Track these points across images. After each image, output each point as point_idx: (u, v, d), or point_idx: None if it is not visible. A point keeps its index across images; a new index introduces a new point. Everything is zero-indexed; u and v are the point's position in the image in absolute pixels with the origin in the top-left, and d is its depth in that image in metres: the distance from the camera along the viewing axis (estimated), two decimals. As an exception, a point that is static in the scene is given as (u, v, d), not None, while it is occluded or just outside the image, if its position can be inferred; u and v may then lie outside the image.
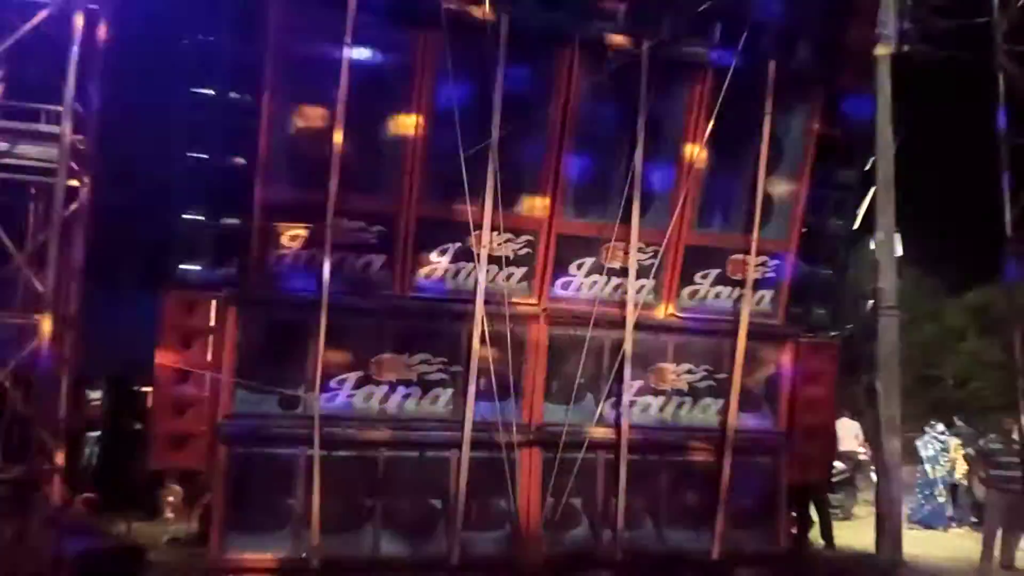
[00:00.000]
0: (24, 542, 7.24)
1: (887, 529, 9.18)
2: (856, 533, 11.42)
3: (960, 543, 11.64)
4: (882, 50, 9.17)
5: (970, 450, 12.18)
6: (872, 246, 9.74)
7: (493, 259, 8.29)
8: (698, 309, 9.05)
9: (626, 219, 8.60)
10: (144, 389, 9.97)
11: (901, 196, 9.41)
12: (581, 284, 8.68)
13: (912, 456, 13.03)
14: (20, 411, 7.41)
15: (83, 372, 9.17)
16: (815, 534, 11.12)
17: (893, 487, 9.27)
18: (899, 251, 9.84)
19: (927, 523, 13.03)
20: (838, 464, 12.38)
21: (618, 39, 8.41)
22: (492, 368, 8.16)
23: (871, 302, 9.84)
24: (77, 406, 9.37)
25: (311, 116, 7.89)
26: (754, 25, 8.57)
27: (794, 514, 10.54)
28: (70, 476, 8.33)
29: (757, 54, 8.74)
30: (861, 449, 13.50)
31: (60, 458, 7.75)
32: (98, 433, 11.82)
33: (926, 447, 13.40)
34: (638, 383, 8.82)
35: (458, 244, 8.24)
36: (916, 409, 15.56)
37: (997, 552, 10.26)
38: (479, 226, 8.16)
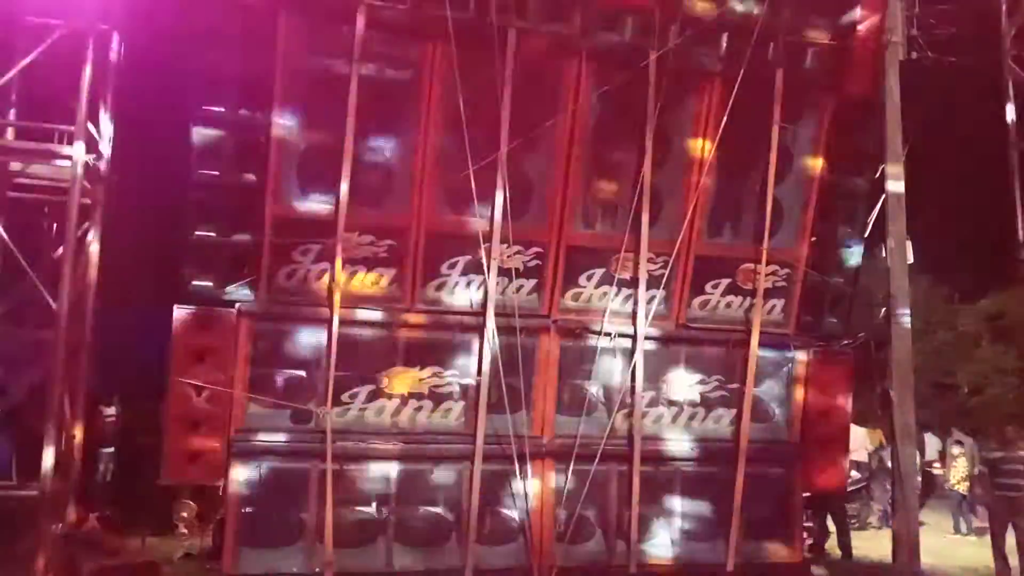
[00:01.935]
0: (39, 558, 7.27)
1: (903, 539, 9.11)
2: (872, 543, 11.32)
3: (976, 552, 11.51)
4: (890, 57, 9.17)
5: (981, 468, 12.06)
6: (883, 253, 9.70)
7: (503, 271, 8.30)
8: (709, 319, 9.03)
9: (636, 230, 8.60)
10: (159, 405, 10.00)
11: (912, 203, 9.38)
12: (591, 295, 8.68)
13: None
14: (35, 428, 7.46)
15: (97, 388, 9.22)
16: (832, 544, 11.03)
17: (909, 496, 9.20)
18: (910, 258, 9.79)
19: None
20: (853, 473, 12.27)
21: (626, 49, 8.43)
22: (503, 380, 8.16)
23: (883, 310, 9.81)
24: (91, 422, 9.41)
25: (321, 131, 7.94)
26: (762, 34, 8.58)
27: (809, 524, 10.45)
28: (84, 492, 8.38)
29: (765, 63, 8.74)
30: (864, 459, 13.40)
31: (74, 474, 7.81)
32: (112, 449, 11.87)
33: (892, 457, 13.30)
34: (650, 394, 8.80)
35: (468, 257, 8.26)
36: (931, 417, 15.41)
37: (1014, 561, 10.14)
38: (488, 238, 8.17)
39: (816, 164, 9.16)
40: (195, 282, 7.96)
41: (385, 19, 7.87)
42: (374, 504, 8.06)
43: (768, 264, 9.00)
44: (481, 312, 8.24)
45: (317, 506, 7.80)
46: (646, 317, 8.67)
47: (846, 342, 9.88)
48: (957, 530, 12.99)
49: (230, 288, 7.91)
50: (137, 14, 8.24)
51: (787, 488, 9.24)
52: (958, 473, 13.40)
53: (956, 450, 13.76)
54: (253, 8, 7.75)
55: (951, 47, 9.99)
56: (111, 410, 11.90)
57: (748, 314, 9.04)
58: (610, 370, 8.70)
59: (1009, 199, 10.87)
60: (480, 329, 8.22)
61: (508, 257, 8.31)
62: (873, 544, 11.20)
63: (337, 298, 7.86)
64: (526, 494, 8.25)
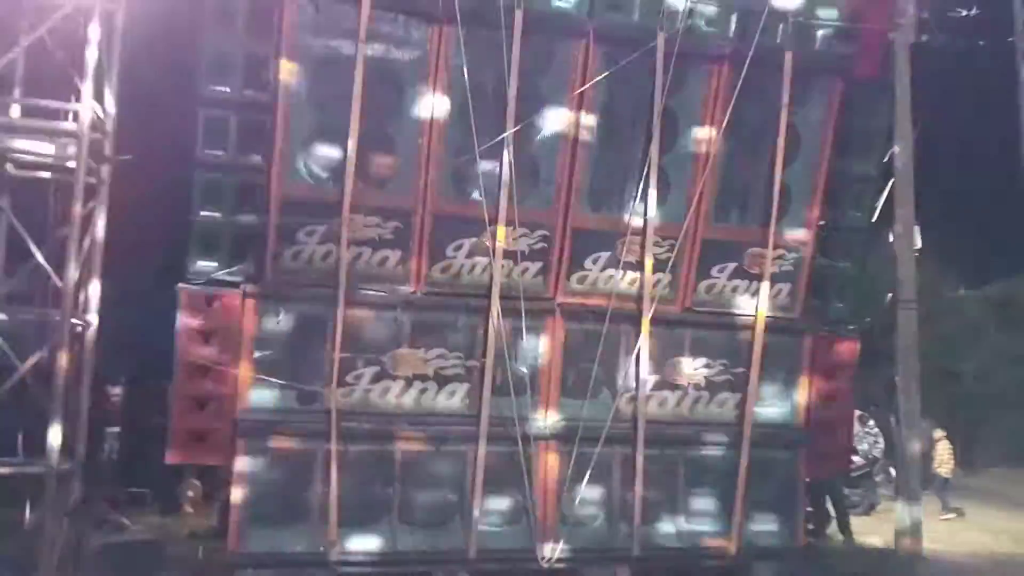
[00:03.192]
0: (46, 535, 7.31)
1: (906, 524, 9.13)
2: (876, 528, 11.34)
3: (977, 537, 11.55)
4: (900, 40, 9.09)
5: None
6: (891, 239, 9.66)
7: (508, 254, 8.28)
8: (715, 303, 9.00)
9: (642, 213, 8.56)
10: (164, 384, 10.05)
11: (920, 188, 9.33)
12: (597, 279, 8.66)
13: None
14: (42, 407, 7.49)
15: (104, 368, 9.25)
16: (832, 528, 11.06)
17: (912, 481, 9.21)
18: (918, 244, 9.74)
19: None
20: (856, 459, 12.30)
21: (634, 30, 8.37)
22: (508, 363, 8.16)
23: (890, 295, 9.78)
24: (98, 402, 9.44)
25: (326, 112, 7.90)
26: (771, 15, 8.51)
27: (810, 509, 10.47)
28: (91, 471, 8.42)
29: (774, 45, 8.67)
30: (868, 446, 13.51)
31: (81, 453, 7.85)
32: (118, 428, 11.92)
33: (860, 442, 13.43)
34: (655, 378, 8.79)
35: (473, 239, 8.23)
36: (937, 403, 15.39)
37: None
38: (494, 221, 8.15)
39: (825, 148, 9.08)
40: (200, 262, 7.97)
41: (391, -1, 7.83)
42: (379, 485, 8.08)
43: (775, 248, 8.96)
44: (486, 295, 8.22)
45: (322, 486, 7.83)
46: (651, 301, 8.65)
47: (852, 327, 9.85)
48: (946, 510, 13.18)
49: (235, 268, 7.92)
50: (142, -8, 8.19)
51: (791, 472, 9.24)
52: (940, 456, 13.66)
53: (938, 434, 13.98)
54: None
55: (962, 29, 9.88)
56: (117, 390, 11.95)
57: (754, 298, 9.01)
58: (615, 353, 8.68)
59: (1018, 185, 10.78)
60: (485, 312, 8.20)
61: (514, 240, 8.29)
62: (877, 529, 11.21)
63: (343, 279, 7.85)
64: (530, 476, 8.26)
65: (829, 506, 11.11)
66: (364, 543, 7.94)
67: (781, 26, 8.76)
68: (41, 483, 7.43)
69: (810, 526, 10.44)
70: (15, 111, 8.12)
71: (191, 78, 8.12)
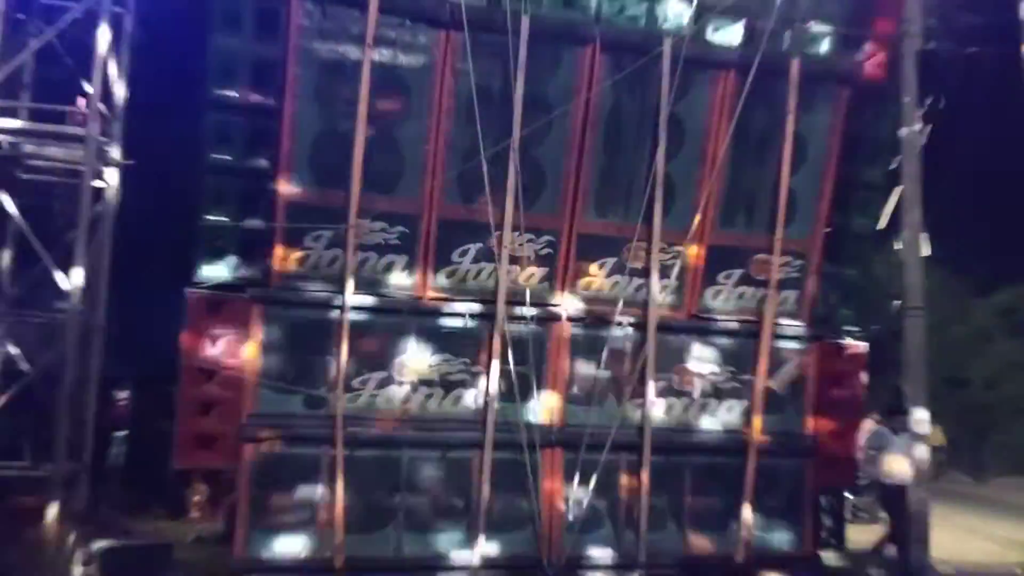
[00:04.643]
0: (52, 539, 7.33)
1: (914, 533, 9.06)
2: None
3: (986, 546, 11.45)
4: (908, 46, 9.07)
5: None
6: (898, 245, 9.62)
7: (514, 259, 8.28)
8: (721, 309, 8.98)
9: (648, 219, 8.56)
10: (171, 389, 10.08)
11: (927, 194, 9.29)
12: (603, 284, 8.65)
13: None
14: (48, 410, 7.52)
15: (111, 371, 9.28)
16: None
17: (921, 490, 9.15)
18: (926, 250, 9.70)
19: None
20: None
21: (640, 37, 8.37)
22: (513, 368, 8.15)
23: (897, 302, 9.73)
24: (105, 405, 9.47)
25: (333, 117, 7.92)
26: (777, 22, 8.50)
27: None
28: (97, 475, 8.45)
29: (780, 51, 8.66)
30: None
31: (87, 457, 7.87)
32: (125, 432, 11.94)
33: None
34: (661, 384, 8.76)
35: (479, 244, 8.24)
36: (944, 411, 15.31)
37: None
38: (500, 226, 8.15)
39: (831, 154, 9.06)
40: (207, 267, 7.99)
41: (398, 4, 7.84)
42: (384, 491, 8.07)
43: (782, 255, 8.94)
44: (492, 300, 8.22)
45: (328, 492, 7.83)
46: (657, 307, 8.62)
47: (859, 334, 9.80)
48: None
49: (242, 273, 7.93)
50: (151, -3, 8.26)
51: (798, 480, 9.19)
52: None
53: None
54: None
55: (970, 36, 9.86)
56: (124, 394, 11.96)
57: (761, 305, 8.99)
58: (621, 359, 8.67)
59: (1027, 192, 10.75)
60: (491, 317, 8.20)
61: (520, 245, 8.29)
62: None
63: (349, 284, 7.86)
64: (536, 483, 8.24)
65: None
66: (370, 549, 7.93)
67: (788, 32, 8.75)
68: (47, 486, 7.45)
69: (821, 534, 10.37)
70: (24, 115, 8.17)
71: (199, 82, 8.15)
